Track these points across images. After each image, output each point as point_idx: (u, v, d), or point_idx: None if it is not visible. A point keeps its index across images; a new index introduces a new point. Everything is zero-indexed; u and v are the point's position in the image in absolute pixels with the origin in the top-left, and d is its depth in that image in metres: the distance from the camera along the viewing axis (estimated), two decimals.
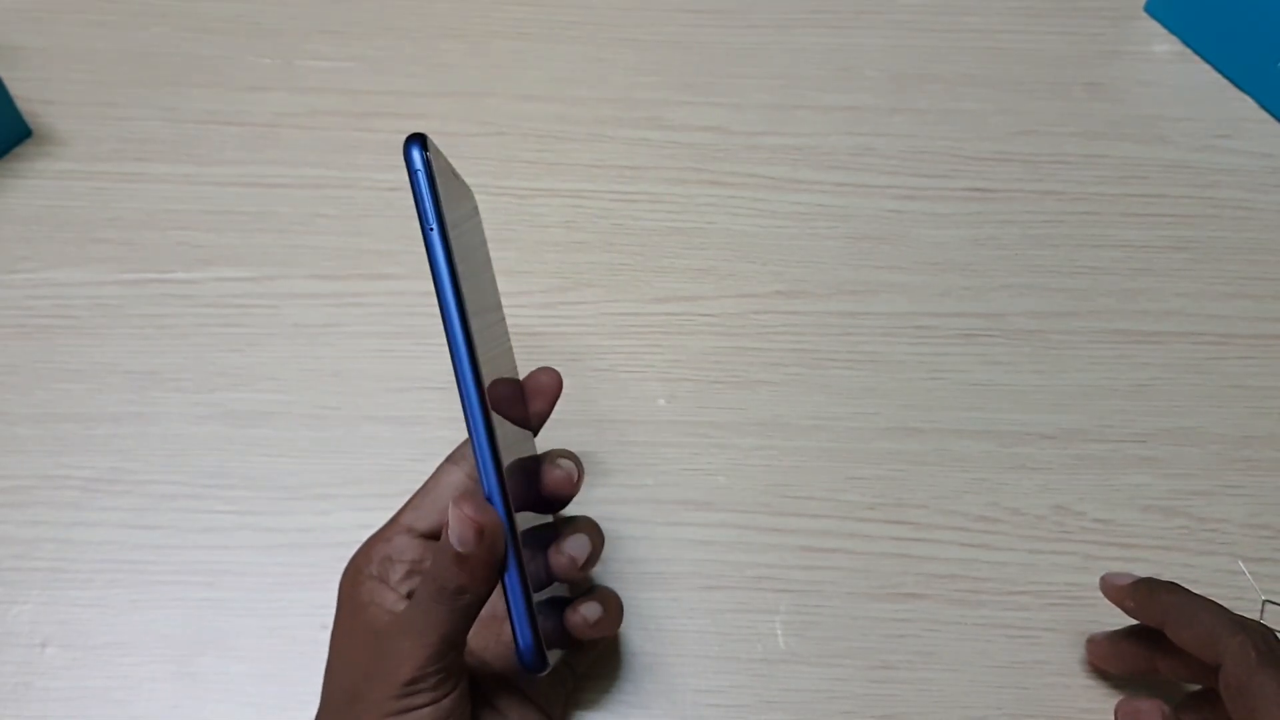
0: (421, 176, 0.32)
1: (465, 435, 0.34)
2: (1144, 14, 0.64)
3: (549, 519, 0.39)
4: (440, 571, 0.33)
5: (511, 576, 0.34)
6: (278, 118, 0.58)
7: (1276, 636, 0.36)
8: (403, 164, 0.58)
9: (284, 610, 0.44)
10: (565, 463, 0.38)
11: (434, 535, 0.37)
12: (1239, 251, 0.55)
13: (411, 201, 0.33)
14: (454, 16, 0.63)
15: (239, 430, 0.48)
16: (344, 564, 0.37)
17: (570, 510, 0.39)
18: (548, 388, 0.39)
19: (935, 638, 0.44)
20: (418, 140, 0.33)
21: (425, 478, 0.38)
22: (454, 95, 0.59)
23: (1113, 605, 0.41)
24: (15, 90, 0.57)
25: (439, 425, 0.48)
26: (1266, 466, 0.48)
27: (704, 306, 0.52)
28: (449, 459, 0.38)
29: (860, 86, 0.61)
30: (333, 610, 0.37)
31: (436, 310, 0.52)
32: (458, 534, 0.33)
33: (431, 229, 0.33)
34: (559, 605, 0.37)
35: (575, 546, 0.37)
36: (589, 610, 0.37)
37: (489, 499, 0.33)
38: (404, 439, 0.48)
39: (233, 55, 0.60)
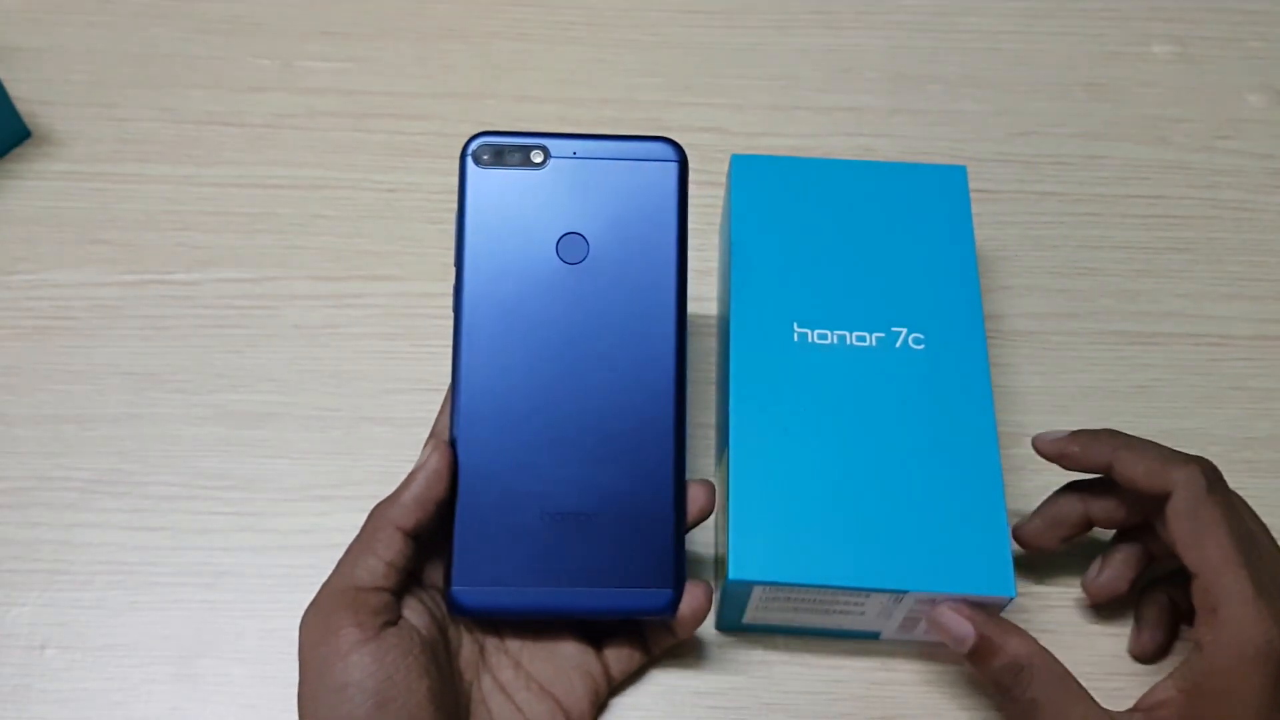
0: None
1: None
2: (1144, 14, 0.64)
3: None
4: None
5: None
6: (277, 118, 0.58)
7: (1219, 471, 0.39)
8: (401, 165, 0.57)
9: (283, 611, 0.44)
10: None
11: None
12: (1239, 252, 0.55)
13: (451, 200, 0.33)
14: (454, 17, 0.63)
15: (238, 431, 0.48)
16: None
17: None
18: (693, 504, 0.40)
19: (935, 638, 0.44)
20: None
21: None
22: (454, 96, 0.59)
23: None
24: (15, 90, 0.57)
25: None
26: (1267, 468, 0.48)
27: (704, 307, 0.52)
28: None
29: (860, 87, 0.61)
30: None
31: (431, 311, 0.52)
32: None
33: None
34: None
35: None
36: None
37: None
38: (403, 440, 0.48)
39: (232, 56, 0.60)
